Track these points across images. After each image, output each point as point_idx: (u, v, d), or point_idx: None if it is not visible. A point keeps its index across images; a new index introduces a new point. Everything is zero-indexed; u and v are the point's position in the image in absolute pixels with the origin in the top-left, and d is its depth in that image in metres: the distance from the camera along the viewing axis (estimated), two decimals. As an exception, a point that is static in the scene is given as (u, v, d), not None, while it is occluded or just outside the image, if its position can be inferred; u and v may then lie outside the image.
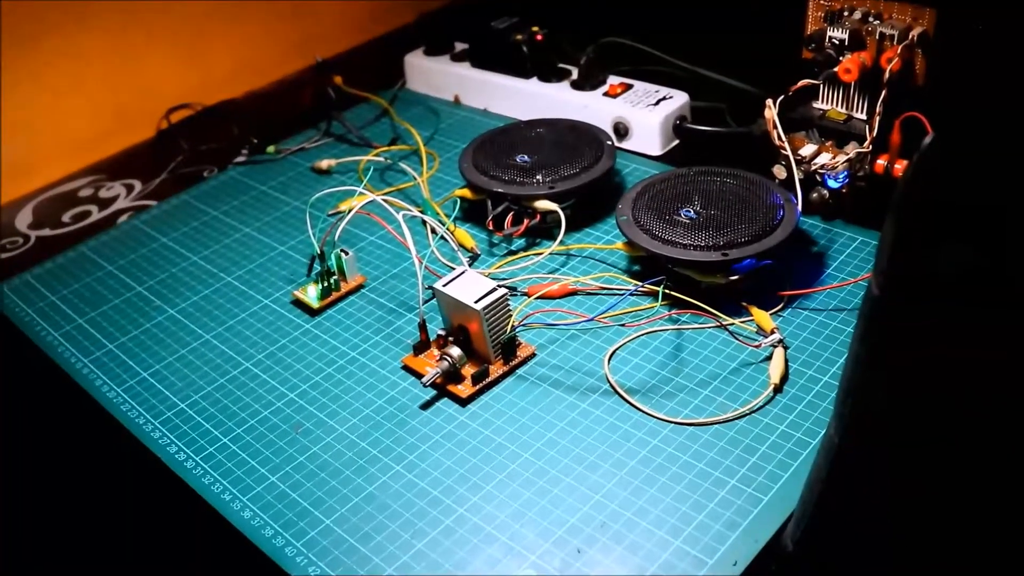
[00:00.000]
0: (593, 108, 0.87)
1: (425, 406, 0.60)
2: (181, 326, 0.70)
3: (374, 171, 0.88)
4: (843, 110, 0.72)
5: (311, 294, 0.70)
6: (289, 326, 0.69)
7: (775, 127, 0.70)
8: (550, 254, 0.71)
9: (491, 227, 0.73)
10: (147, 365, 0.67)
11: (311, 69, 1.04)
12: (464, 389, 0.60)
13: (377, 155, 0.89)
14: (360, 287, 0.72)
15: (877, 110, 0.68)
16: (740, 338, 0.61)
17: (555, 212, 0.72)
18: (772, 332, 0.61)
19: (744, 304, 0.65)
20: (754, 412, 0.57)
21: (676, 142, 0.87)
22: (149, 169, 0.94)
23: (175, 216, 0.85)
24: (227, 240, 0.80)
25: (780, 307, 0.65)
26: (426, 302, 0.69)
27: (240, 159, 0.93)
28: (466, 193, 0.77)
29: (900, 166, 0.69)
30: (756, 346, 0.61)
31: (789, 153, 0.69)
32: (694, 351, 0.62)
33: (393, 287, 0.72)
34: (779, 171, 0.72)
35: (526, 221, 0.73)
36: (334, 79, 1.00)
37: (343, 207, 0.81)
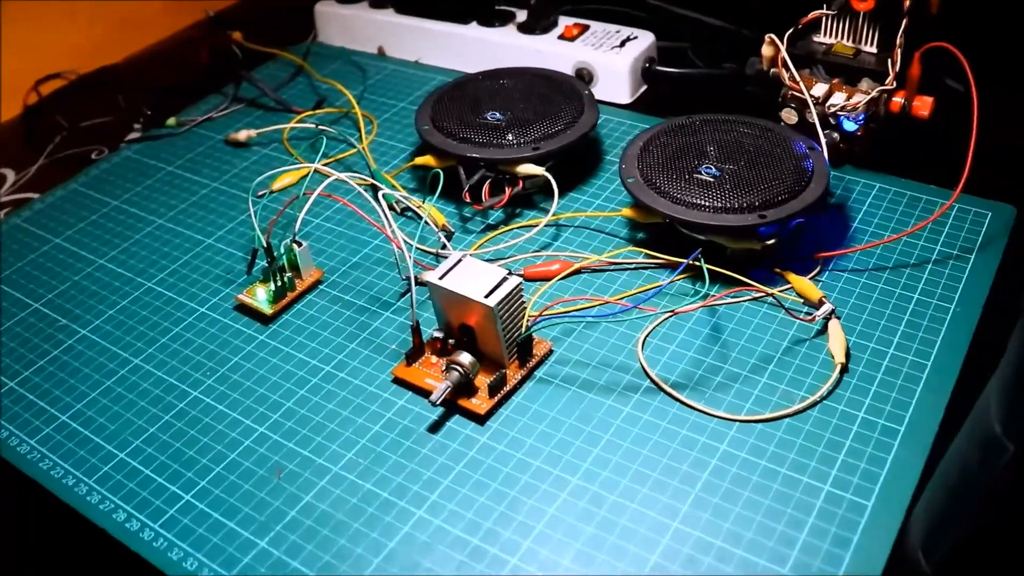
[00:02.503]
0: (548, 54, 0.77)
1: (434, 428, 0.49)
2: (99, 349, 0.57)
3: (301, 140, 0.75)
4: (850, 43, 0.64)
5: (260, 297, 0.58)
6: (239, 339, 0.56)
7: (784, 66, 0.62)
8: (545, 226, 0.61)
9: (468, 199, 0.62)
10: (64, 405, 0.53)
11: (202, 25, 0.89)
12: (480, 403, 0.50)
13: (301, 121, 0.76)
14: (317, 284, 0.60)
15: (898, 42, 0.60)
16: (794, 313, 0.53)
17: (540, 176, 0.61)
18: (821, 302, 0.53)
19: (779, 271, 0.56)
20: (825, 399, 0.49)
21: (644, 87, 0.77)
22: (21, 154, 0.77)
23: (64, 210, 0.70)
24: (137, 236, 0.66)
25: (817, 271, 0.57)
26: (402, 295, 0.58)
27: (134, 135, 0.78)
28: (429, 161, 0.65)
29: (920, 103, 0.61)
30: (809, 319, 0.52)
31: (806, 94, 0.61)
32: (736, 331, 0.53)
33: (357, 280, 0.60)
34: (789, 115, 0.63)
35: (508, 189, 0.62)
36: (232, 35, 0.85)
37: (277, 186, 0.68)
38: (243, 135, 0.74)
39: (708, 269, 0.54)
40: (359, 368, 0.53)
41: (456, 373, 0.49)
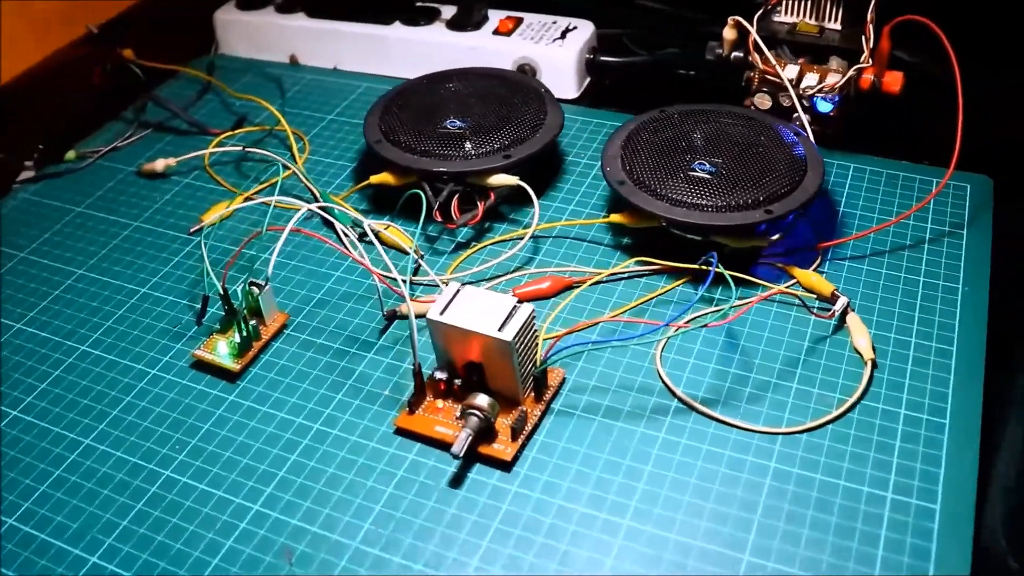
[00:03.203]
0: (485, 51, 0.72)
1: (456, 482, 0.44)
2: (38, 433, 0.48)
3: (224, 165, 0.67)
4: (813, 21, 0.62)
5: (222, 351, 0.51)
6: (205, 402, 0.49)
7: (756, 49, 0.59)
8: (519, 238, 0.56)
9: (439, 218, 0.57)
10: (8, 506, 0.45)
11: (84, 42, 0.80)
12: (504, 448, 0.45)
13: (221, 143, 0.69)
14: (283, 329, 0.53)
15: (869, 17, 0.58)
16: (818, 312, 0.50)
17: (513, 187, 0.57)
18: (834, 296, 0.50)
19: (781, 267, 0.54)
20: (863, 399, 0.46)
21: (588, 80, 0.73)
22: None
23: (-40, 269, 0.60)
24: (55, 291, 0.57)
25: (818, 263, 0.54)
26: (383, 331, 0.52)
27: (27, 175, 0.68)
28: (387, 179, 0.59)
29: (891, 79, 0.60)
30: (828, 316, 0.50)
31: (783, 78, 0.58)
32: (752, 335, 0.50)
33: (327, 320, 0.54)
34: (762, 100, 0.61)
35: (481, 204, 0.57)
36: (122, 53, 0.76)
37: (209, 219, 0.61)
38: (160, 164, 0.66)
39: (717, 272, 0.51)
40: (353, 422, 0.47)
41: (475, 419, 0.44)
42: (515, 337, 0.44)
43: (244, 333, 0.50)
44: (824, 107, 0.60)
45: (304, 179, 0.63)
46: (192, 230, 0.60)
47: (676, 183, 0.52)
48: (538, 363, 0.46)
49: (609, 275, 0.54)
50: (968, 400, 0.46)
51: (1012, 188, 0.59)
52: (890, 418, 0.45)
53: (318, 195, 0.62)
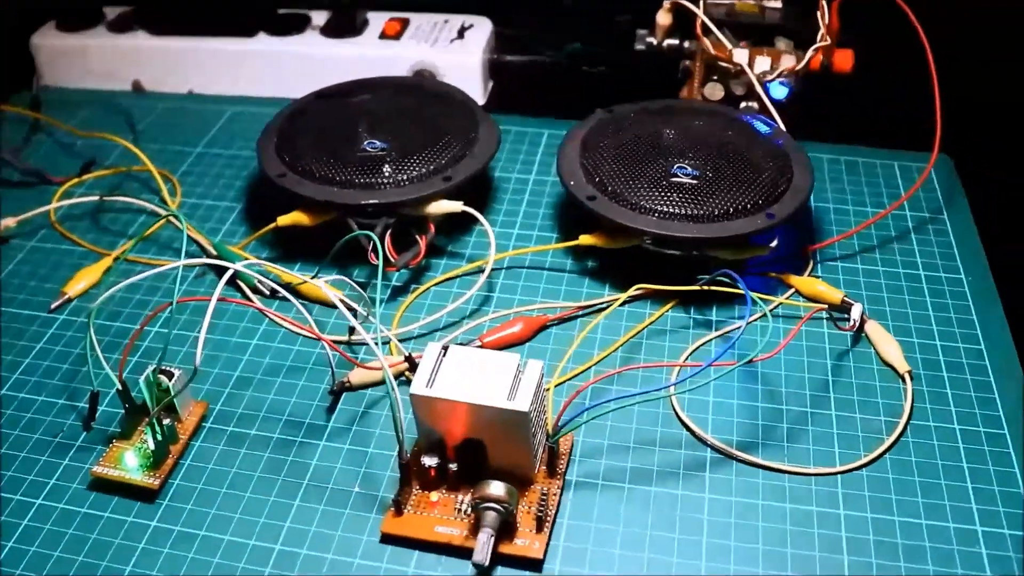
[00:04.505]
0: (373, 59, 0.63)
1: (478, 595, 0.35)
2: None
3: (77, 221, 0.55)
4: (751, 0, 0.56)
5: (131, 464, 0.39)
6: (120, 534, 0.37)
7: (706, 32, 0.53)
8: (466, 275, 0.47)
9: (373, 260, 0.47)
10: None
11: None
12: (530, 542, 0.36)
13: (67, 193, 0.56)
14: (203, 421, 0.42)
15: (819, -9, 0.53)
16: (840, 325, 0.44)
17: (458, 213, 0.48)
18: (845, 303, 0.45)
19: (776, 276, 0.48)
20: (912, 419, 0.41)
21: (491, 84, 0.65)
22: None
23: None
24: None
25: (810, 268, 0.49)
26: (331, 409, 0.42)
27: None
28: (299, 219, 0.49)
29: (841, 58, 0.55)
30: (850, 328, 0.44)
31: (744, 65, 0.52)
32: (769, 361, 0.44)
33: (255, 403, 0.43)
34: (713, 91, 0.55)
35: (422, 239, 0.48)
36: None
37: (74, 290, 0.48)
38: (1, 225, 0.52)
39: (717, 290, 0.44)
40: (324, 534, 0.37)
41: (493, 514, 0.35)
42: (531, 406, 0.35)
43: (159, 437, 0.39)
44: (779, 92, 0.54)
45: (186, 227, 0.52)
46: (54, 306, 0.48)
47: (659, 192, 0.45)
48: (550, 431, 0.38)
49: (587, 307, 0.47)
50: (1018, 404, 0.41)
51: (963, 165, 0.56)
52: (946, 436, 0.40)
53: (209, 246, 0.50)
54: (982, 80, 0.62)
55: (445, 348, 0.37)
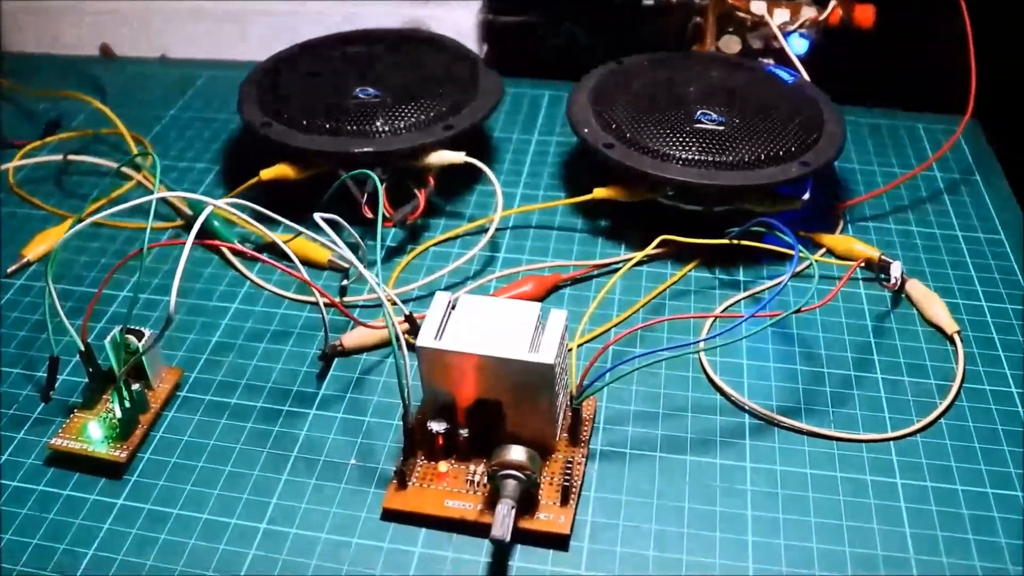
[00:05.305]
0: (363, 16, 0.59)
1: (496, 576, 0.31)
2: None
3: (40, 183, 0.50)
4: (767, -50, 0.53)
5: (95, 435, 0.34)
6: (82, 514, 0.33)
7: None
8: (467, 234, 0.43)
9: (367, 214, 0.43)
10: None
11: None
12: (554, 516, 0.31)
13: (30, 154, 0.51)
14: (177, 390, 0.37)
15: (840, -63, 0.50)
16: (884, 282, 0.41)
17: (460, 165, 0.44)
18: (883, 261, 0.41)
19: (806, 235, 0.44)
20: (966, 382, 0.37)
21: (486, 47, 0.61)
22: None
23: None
24: None
25: (841, 227, 0.45)
26: (322, 376, 0.38)
27: None
28: (282, 171, 0.44)
29: (862, 13, 0.52)
30: (891, 286, 0.40)
31: (759, 13, 0.49)
32: (804, 321, 0.40)
33: (236, 371, 0.38)
34: (730, 43, 0.51)
35: (421, 192, 0.44)
36: None
37: (33, 253, 0.44)
38: (-56, 189, 0.48)
39: (745, 246, 0.40)
40: (317, 512, 0.33)
41: (514, 482, 0.31)
42: (556, 358, 0.31)
43: (126, 405, 0.34)
44: (799, 46, 0.51)
45: (159, 187, 0.47)
46: (11, 270, 0.43)
47: (682, 139, 0.41)
48: (574, 393, 0.33)
49: (602, 266, 0.42)
50: (1076, 364, 0.38)
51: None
52: (1003, 399, 0.36)
53: (184, 207, 0.46)
54: (1010, 41, 0.59)
55: (453, 298, 0.33)
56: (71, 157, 0.50)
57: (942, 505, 0.32)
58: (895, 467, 0.34)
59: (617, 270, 0.42)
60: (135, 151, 0.51)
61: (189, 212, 0.45)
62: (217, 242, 0.42)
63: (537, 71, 0.59)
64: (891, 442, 0.35)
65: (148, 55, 0.62)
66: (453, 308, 0.33)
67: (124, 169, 0.49)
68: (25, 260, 0.43)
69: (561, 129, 0.53)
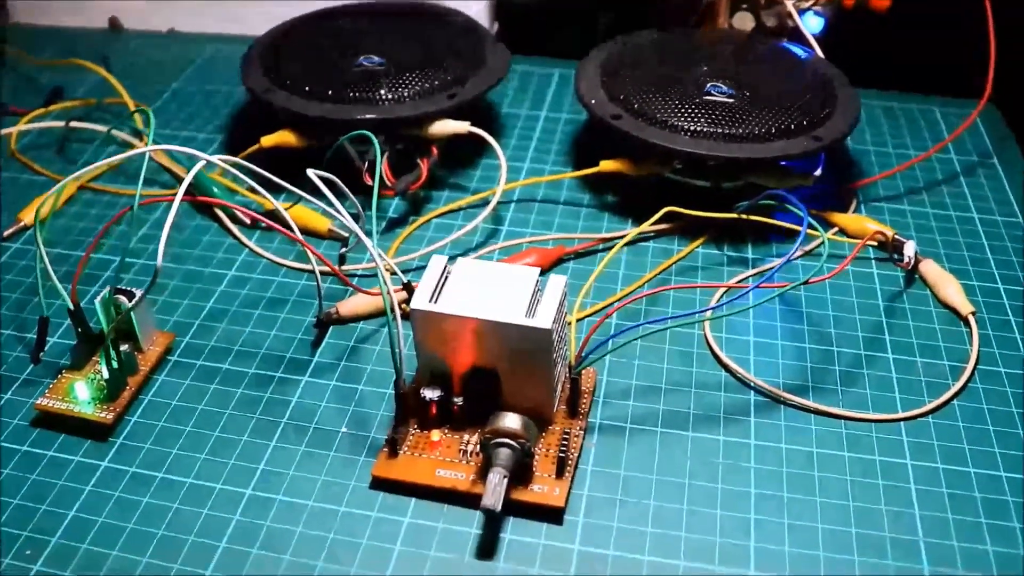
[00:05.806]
0: (371, -6, 0.57)
1: (487, 551, 0.29)
2: None
3: (42, 149, 0.49)
4: (784, -73, 0.52)
5: (82, 396, 0.34)
6: (65, 475, 0.32)
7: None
8: (469, 207, 0.42)
9: (368, 181, 0.42)
10: None
11: None
12: (549, 489, 0.30)
13: (34, 121, 0.50)
14: (166, 355, 0.37)
15: (859, -87, 0.48)
16: (897, 261, 0.40)
17: (464, 135, 0.43)
18: (897, 240, 0.40)
19: (818, 213, 0.43)
20: (980, 363, 0.36)
21: (497, 26, 0.61)
22: None
23: None
24: None
25: (854, 206, 0.44)
26: (317, 343, 0.37)
27: None
28: (284, 138, 0.44)
29: (880, -8, 0.51)
30: (904, 265, 0.39)
31: (779, -11, 0.47)
32: (813, 299, 0.39)
33: (229, 336, 0.37)
34: (743, 20, 0.50)
35: (423, 161, 0.43)
36: None
37: (30, 216, 0.43)
38: (-57, 153, 0.47)
39: (755, 221, 0.39)
40: (306, 479, 0.32)
41: (508, 451, 0.30)
42: (553, 323, 0.30)
43: (114, 365, 0.33)
44: (815, 24, 0.50)
45: (159, 156, 0.46)
46: (7, 233, 0.42)
47: (692, 110, 0.40)
48: (573, 362, 0.32)
49: (608, 240, 0.41)
50: (1096, 350, 0.37)
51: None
52: (1020, 383, 0.35)
53: (183, 173, 0.45)
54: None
55: (450, 262, 0.32)
56: (73, 124, 0.49)
57: (954, 488, 0.31)
58: (905, 448, 0.33)
59: (623, 245, 0.41)
60: (138, 119, 0.50)
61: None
62: (210, 199, 0.42)
63: (548, 51, 0.58)
64: (901, 423, 0.33)
65: (156, 28, 0.61)
66: (449, 271, 0.32)
67: (127, 137, 0.48)
68: (22, 224, 0.43)
69: (570, 107, 0.52)
